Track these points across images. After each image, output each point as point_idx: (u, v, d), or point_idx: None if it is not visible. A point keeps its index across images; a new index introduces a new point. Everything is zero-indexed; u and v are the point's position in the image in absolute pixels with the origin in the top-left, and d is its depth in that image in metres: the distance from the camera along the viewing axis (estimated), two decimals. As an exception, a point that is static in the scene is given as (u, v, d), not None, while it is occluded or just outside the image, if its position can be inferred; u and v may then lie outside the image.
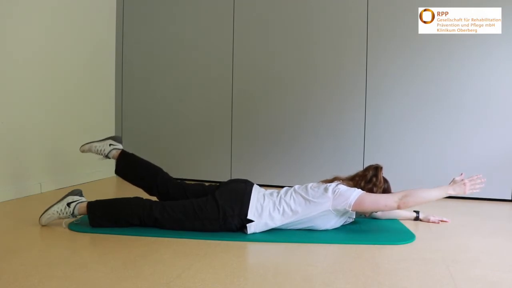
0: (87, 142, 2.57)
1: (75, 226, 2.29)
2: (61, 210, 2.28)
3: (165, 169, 2.53)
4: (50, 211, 2.29)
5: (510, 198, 3.36)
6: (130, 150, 2.57)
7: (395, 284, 1.66)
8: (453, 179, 2.27)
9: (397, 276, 1.75)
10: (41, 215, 2.30)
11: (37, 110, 3.20)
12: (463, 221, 2.73)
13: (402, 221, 2.60)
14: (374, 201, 2.20)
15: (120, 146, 2.58)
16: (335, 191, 2.22)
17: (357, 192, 2.21)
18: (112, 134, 4.07)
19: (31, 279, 1.60)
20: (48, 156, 3.31)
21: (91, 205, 2.30)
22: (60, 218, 2.30)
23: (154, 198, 2.40)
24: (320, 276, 1.73)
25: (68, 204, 2.29)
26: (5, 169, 2.93)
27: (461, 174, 2.28)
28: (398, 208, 2.17)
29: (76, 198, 2.32)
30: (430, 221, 2.61)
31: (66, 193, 2.36)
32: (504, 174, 3.35)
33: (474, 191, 2.19)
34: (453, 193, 2.19)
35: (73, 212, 2.28)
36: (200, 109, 3.93)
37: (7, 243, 2.06)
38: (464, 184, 2.19)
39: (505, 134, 3.34)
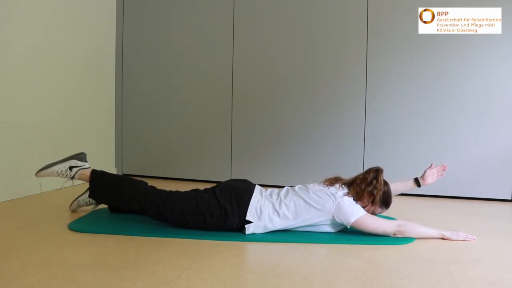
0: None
1: (75, 226, 2.30)
2: (61, 171, 2.26)
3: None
4: (50, 169, 2.27)
5: (510, 198, 3.36)
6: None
7: (395, 284, 1.66)
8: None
9: (397, 276, 1.75)
10: (40, 170, 2.29)
11: (37, 110, 3.19)
12: (463, 221, 2.73)
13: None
14: (374, 226, 2.21)
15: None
16: (339, 203, 2.21)
17: (359, 213, 2.20)
18: (112, 134, 4.07)
19: (31, 279, 1.60)
20: (48, 156, 3.29)
21: (95, 176, 2.27)
22: (58, 176, 2.30)
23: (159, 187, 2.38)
24: (320, 276, 1.73)
25: (70, 168, 2.26)
26: (5, 169, 2.93)
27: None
28: (394, 235, 2.20)
29: (79, 163, 2.30)
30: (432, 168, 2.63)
31: (71, 154, 2.33)
32: (504, 174, 3.35)
33: (467, 240, 2.24)
34: (447, 235, 2.24)
35: (73, 176, 2.26)
36: (200, 109, 3.93)
37: (7, 243, 2.06)
38: (458, 232, 2.26)
39: (505, 134, 3.34)
